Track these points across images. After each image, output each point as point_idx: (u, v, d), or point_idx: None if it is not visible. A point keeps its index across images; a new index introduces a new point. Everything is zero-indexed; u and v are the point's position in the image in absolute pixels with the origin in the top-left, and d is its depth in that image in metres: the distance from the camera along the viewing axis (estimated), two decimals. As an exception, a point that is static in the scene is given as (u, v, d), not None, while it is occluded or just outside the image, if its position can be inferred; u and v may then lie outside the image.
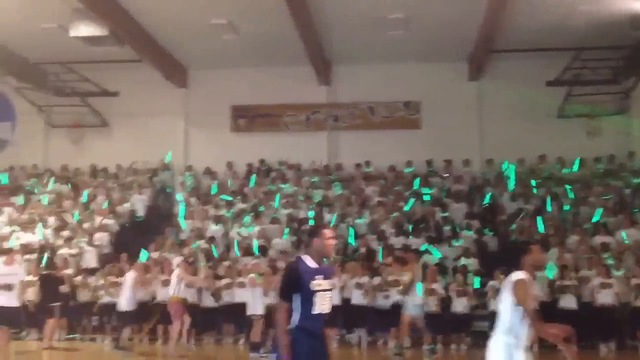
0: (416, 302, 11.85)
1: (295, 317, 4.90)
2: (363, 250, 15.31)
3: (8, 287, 11.15)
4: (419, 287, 11.91)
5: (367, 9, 16.24)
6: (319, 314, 4.96)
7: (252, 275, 12.64)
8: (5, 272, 11.32)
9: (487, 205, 17.36)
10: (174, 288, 11.94)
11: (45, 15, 16.35)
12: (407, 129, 19.70)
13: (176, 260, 13.99)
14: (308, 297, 4.89)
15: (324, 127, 20.20)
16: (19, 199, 18.43)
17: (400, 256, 13.28)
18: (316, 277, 4.96)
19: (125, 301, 12.82)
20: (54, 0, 15.23)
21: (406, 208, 17.03)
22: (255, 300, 12.20)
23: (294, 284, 4.90)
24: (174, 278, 12.08)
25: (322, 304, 4.97)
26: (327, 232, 5.10)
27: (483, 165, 19.06)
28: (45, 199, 18.33)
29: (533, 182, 17.55)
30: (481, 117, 19.51)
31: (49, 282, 13.36)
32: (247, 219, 16.87)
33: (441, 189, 18.20)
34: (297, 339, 4.83)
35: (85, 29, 16.10)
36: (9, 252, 12.34)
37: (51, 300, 13.09)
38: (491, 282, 13.24)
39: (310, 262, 5.04)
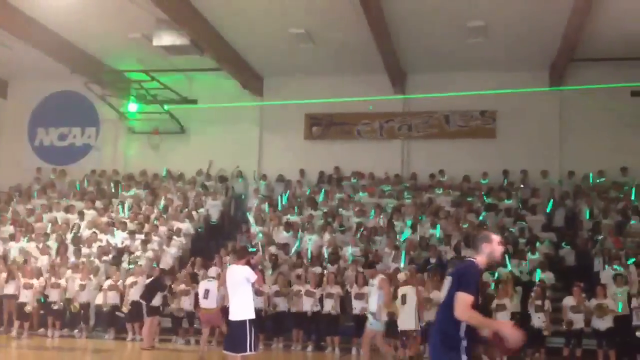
0: None
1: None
2: (433, 261, 15.06)
3: None
4: None
5: (446, 17, 16.03)
6: None
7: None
8: None
9: (565, 218, 16.84)
10: None
11: (130, 25, 17.00)
12: (482, 138, 19.40)
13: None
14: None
15: (397, 136, 20.11)
16: (100, 203, 19.11)
17: None
18: None
19: None
20: (139, 11, 15.78)
21: (479, 218, 16.69)
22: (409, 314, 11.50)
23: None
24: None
25: None
26: (497, 238, 5.16)
27: (562, 176, 18.53)
28: (124, 204, 18.95)
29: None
30: (561, 127, 18.96)
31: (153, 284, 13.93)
32: (318, 226, 16.95)
33: (517, 200, 17.74)
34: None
35: (167, 38, 16.62)
36: None
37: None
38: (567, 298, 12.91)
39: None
